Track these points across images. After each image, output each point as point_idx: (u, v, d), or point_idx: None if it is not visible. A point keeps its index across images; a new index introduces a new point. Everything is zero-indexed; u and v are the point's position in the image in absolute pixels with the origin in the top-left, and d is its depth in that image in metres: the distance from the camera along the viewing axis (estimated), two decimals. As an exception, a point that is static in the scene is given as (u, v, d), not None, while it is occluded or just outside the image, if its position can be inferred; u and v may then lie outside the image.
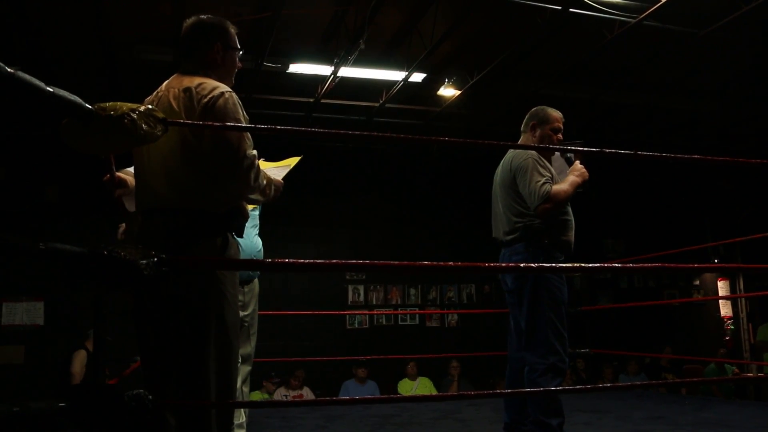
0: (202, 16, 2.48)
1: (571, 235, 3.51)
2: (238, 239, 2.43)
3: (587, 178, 3.47)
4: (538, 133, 3.59)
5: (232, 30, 2.48)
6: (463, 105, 8.65)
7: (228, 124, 2.19)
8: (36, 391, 7.68)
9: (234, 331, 2.26)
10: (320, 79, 7.78)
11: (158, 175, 2.24)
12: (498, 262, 3.54)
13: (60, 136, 1.98)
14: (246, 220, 2.40)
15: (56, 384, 7.28)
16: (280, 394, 8.18)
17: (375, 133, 2.48)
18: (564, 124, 3.65)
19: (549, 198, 3.29)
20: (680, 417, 4.77)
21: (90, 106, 1.87)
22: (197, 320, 2.15)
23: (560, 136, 3.60)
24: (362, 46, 6.47)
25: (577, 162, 3.55)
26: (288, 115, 8.81)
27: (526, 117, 3.68)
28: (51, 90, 1.70)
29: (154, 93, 2.39)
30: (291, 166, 2.82)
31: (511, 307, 3.57)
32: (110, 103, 1.92)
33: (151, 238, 2.18)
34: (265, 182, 2.33)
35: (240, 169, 2.18)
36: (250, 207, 2.62)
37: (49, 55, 7.14)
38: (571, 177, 3.45)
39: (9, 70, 1.54)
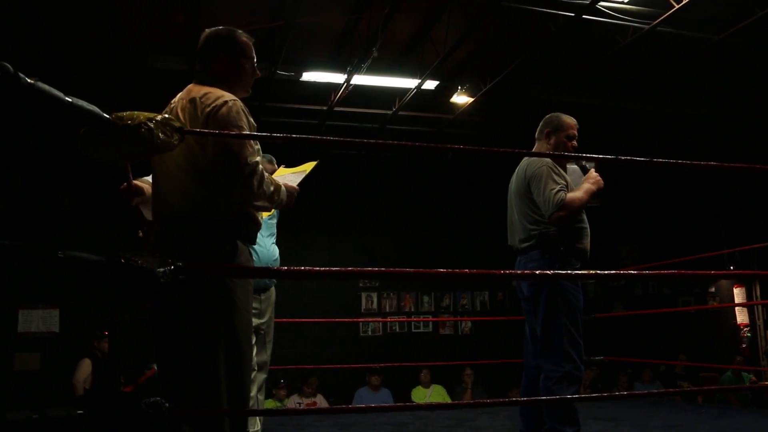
0: (212, 28, 2.49)
1: (587, 243, 3.50)
2: (255, 247, 2.43)
3: (602, 186, 3.46)
4: (552, 140, 3.58)
5: (243, 39, 2.46)
6: (476, 112, 8.64)
7: (244, 132, 2.20)
8: (51, 398, 7.71)
9: (245, 338, 2.27)
10: (333, 87, 7.80)
11: (169, 185, 2.27)
12: (513, 270, 3.54)
13: (78, 146, 2.00)
14: (258, 228, 2.40)
15: (66, 393, 7.32)
16: (294, 401, 8.17)
17: (389, 142, 2.47)
18: (578, 130, 3.64)
19: (564, 206, 3.28)
20: (697, 425, 4.73)
21: (108, 116, 1.88)
22: (205, 328, 2.16)
23: (575, 143, 3.59)
24: (375, 54, 6.48)
25: (593, 170, 3.54)
26: (301, 123, 8.84)
27: (540, 124, 3.66)
28: (69, 100, 1.72)
29: (168, 105, 2.42)
30: (307, 172, 2.82)
31: (527, 314, 3.55)
32: (127, 113, 1.93)
33: (165, 246, 2.20)
34: (272, 189, 2.31)
35: (241, 176, 2.18)
36: (265, 215, 2.62)
37: (65, 65, 7.20)
38: (585, 185, 3.44)
39: (29, 80, 1.56)
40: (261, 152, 2.32)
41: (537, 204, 3.41)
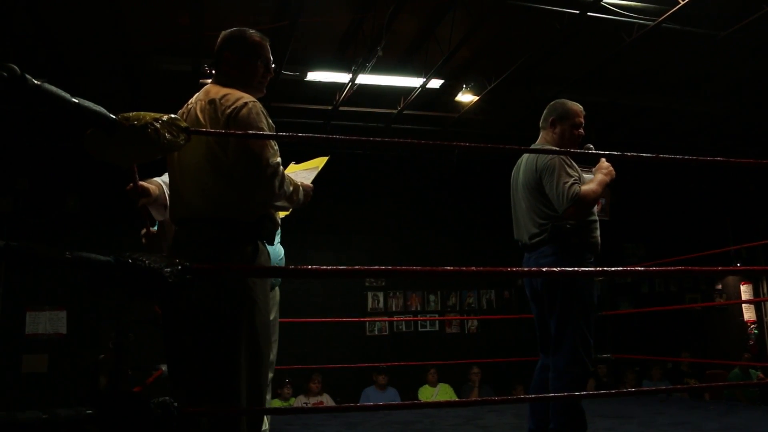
0: (227, 30, 2.48)
1: (598, 236, 3.37)
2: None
3: (615, 176, 3.30)
4: (558, 129, 3.42)
5: (255, 39, 2.45)
6: (481, 110, 8.63)
7: (250, 132, 2.20)
8: (60, 399, 7.74)
9: (264, 338, 2.28)
10: (338, 87, 7.80)
11: (190, 186, 2.27)
12: (520, 267, 3.46)
13: (84, 147, 2.00)
14: (276, 228, 2.41)
15: (82, 392, 7.33)
16: (300, 401, 8.18)
17: (395, 140, 2.47)
18: (585, 118, 3.49)
19: (578, 200, 3.12)
20: (705, 423, 4.72)
21: (114, 117, 1.88)
22: (229, 327, 2.16)
23: (582, 131, 3.43)
24: (380, 53, 6.48)
25: (603, 159, 3.37)
26: (306, 122, 8.83)
27: (545, 112, 3.50)
28: (76, 101, 1.72)
29: (185, 105, 2.42)
30: (319, 168, 2.82)
31: (539, 310, 3.45)
32: (134, 113, 1.94)
33: (185, 247, 2.21)
34: (291, 189, 2.33)
35: (263, 177, 2.19)
36: (281, 214, 2.63)
37: (70, 66, 7.21)
38: (598, 176, 3.28)
39: (36, 82, 1.56)
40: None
41: (548, 198, 3.24)
